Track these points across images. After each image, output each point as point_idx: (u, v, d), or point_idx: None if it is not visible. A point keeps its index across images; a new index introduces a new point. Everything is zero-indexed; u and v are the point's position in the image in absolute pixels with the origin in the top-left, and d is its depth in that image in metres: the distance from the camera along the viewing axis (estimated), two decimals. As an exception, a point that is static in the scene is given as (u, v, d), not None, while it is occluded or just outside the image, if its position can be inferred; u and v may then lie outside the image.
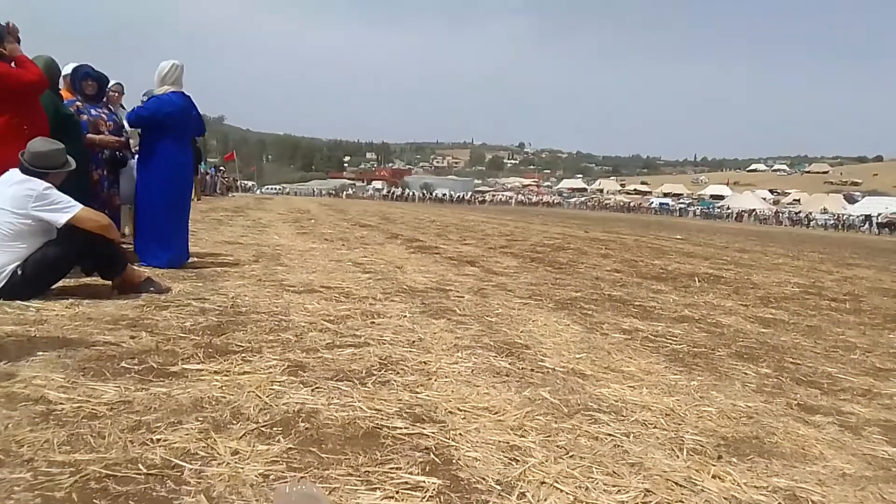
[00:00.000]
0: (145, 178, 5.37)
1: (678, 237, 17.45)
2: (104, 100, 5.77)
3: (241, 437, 1.97)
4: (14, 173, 3.82)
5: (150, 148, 5.34)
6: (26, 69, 4.30)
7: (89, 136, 5.31)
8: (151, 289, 4.14)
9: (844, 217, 49.49)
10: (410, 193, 76.05)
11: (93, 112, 5.40)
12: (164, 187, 5.32)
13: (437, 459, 1.92)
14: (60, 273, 3.91)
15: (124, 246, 5.38)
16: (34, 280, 3.71)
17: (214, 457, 1.83)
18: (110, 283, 4.14)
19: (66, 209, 3.77)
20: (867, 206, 53.46)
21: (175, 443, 1.89)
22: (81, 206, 3.88)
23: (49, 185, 3.78)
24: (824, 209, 53.94)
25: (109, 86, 6.27)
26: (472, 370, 2.89)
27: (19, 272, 3.67)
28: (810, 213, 52.17)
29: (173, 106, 5.29)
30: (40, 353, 2.67)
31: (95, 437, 1.89)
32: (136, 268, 4.37)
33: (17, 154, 3.88)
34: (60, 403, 2.13)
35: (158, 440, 1.90)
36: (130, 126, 5.40)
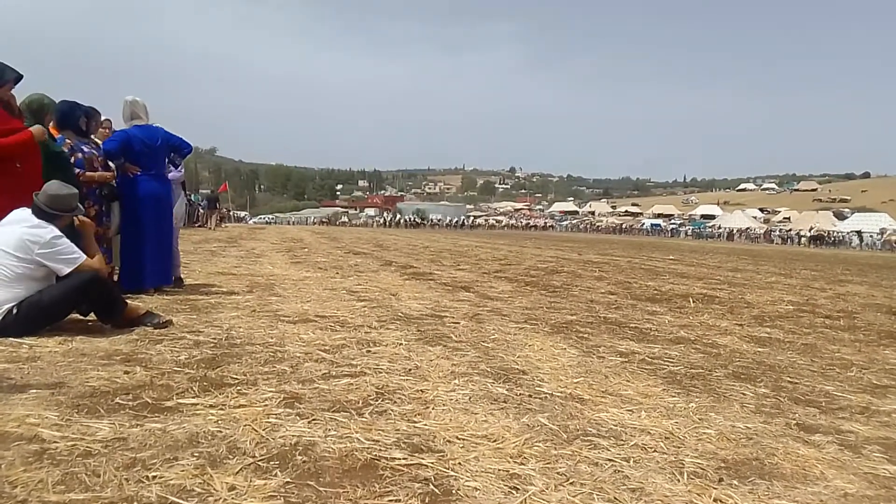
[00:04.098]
0: (121, 208, 5.85)
1: (671, 258, 17.51)
2: (90, 135, 5.79)
3: (237, 473, 1.94)
4: (21, 213, 3.84)
5: (124, 179, 5.82)
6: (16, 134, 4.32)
7: (88, 174, 5.32)
8: (151, 323, 4.11)
9: (835, 233, 49.85)
10: (404, 219, 76.14)
11: (85, 149, 5.42)
12: (138, 215, 5.80)
13: (436, 490, 1.90)
14: (54, 319, 3.86)
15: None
16: (27, 322, 3.69)
17: (211, 493, 1.80)
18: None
19: (70, 261, 3.84)
20: (857, 222, 53.96)
21: (171, 479, 1.86)
22: (85, 256, 3.94)
23: (58, 233, 3.84)
24: (812, 226, 54.39)
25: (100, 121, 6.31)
26: (470, 397, 2.88)
27: (14, 311, 3.65)
28: (801, 231, 52.62)
29: (137, 139, 5.77)
30: (33, 391, 2.64)
31: (90, 475, 1.86)
32: (135, 304, 4.35)
33: (9, 188, 3.90)
34: (54, 442, 2.10)
35: (154, 477, 1.87)
36: (111, 160, 5.75)
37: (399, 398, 2.81)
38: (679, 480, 2.06)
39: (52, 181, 4.06)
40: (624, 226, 75.09)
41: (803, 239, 48.91)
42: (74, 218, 4.13)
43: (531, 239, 33.66)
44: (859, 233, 47.93)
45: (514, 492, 1.92)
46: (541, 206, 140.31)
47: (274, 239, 19.59)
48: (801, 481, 2.12)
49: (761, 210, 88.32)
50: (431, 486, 1.92)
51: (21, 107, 4.78)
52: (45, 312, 3.76)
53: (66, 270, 3.82)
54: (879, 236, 46.69)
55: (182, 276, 6.62)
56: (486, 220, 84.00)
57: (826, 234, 49.54)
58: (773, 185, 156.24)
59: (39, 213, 3.86)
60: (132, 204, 5.78)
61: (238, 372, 3.12)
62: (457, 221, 76.30)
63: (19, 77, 4.52)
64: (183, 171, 6.89)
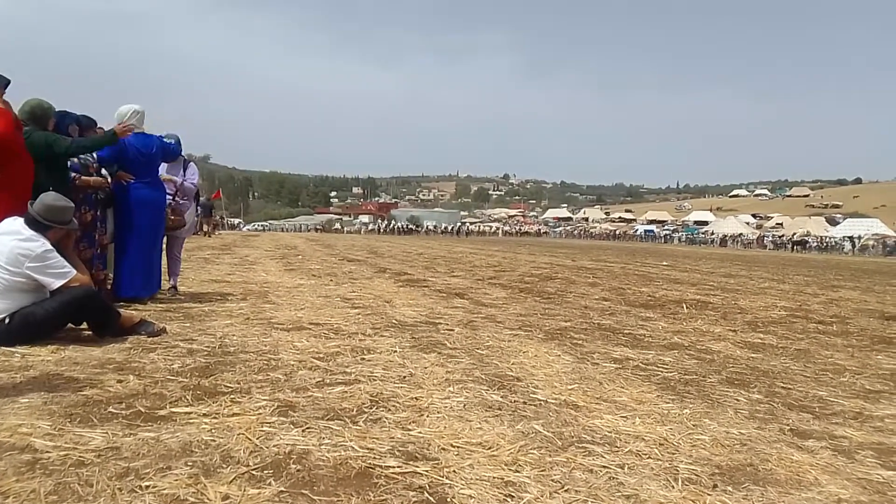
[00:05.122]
0: (117, 215, 5.81)
1: (664, 264, 17.55)
2: None
3: (231, 482, 1.93)
4: (12, 225, 3.82)
5: (119, 187, 5.77)
6: None
7: (83, 178, 5.31)
8: (145, 331, 4.08)
9: (828, 239, 50.12)
10: (398, 226, 76.07)
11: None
12: (134, 223, 5.77)
13: (431, 498, 1.90)
14: (47, 333, 3.82)
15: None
16: (18, 334, 3.66)
17: (205, 502, 1.80)
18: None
19: (60, 275, 3.82)
20: (849, 228, 54.29)
21: (164, 489, 1.85)
22: (75, 272, 3.92)
23: (49, 247, 3.81)
24: (807, 232, 54.64)
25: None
26: (465, 405, 2.87)
27: (6, 321, 3.63)
28: (793, 235, 52.93)
29: (132, 147, 5.72)
30: (26, 400, 2.63)
31: (83, 485, 1.85)
32: (130, 312, 4.33)
33: None
34: (47, 451, 2.09)
35: (147, 487, 1.86)
36: (104, 166, 5.71)
37: (393, 406, 2.80)
38: (674, 487, 2.06)
39: (49, 192, 4.05)
40: (617, 232, 75.18)
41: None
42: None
43: (525, 245, 33.69)
44: (851, 238, 48.17)
45: (508, 499, 1.92)
46: (535, 213, 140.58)
47: (268, 246, 19.56)
48: (795, 487, 2.13)
49: (754, 216, 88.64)
50: (426, 495, 1.92)
51: (21, 114, 4.80)
52: (38, 326, 3.73)
53: (56, 285, 3.79)
54: (871, 241, 46.98)
55: (177, 284, 6.59)
56: (478, 227, 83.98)
57: (819, 239, 49.88)
58: (766, 191, 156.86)
59: (32, 223, 3.83)
60: (127, 212, 5.75)
61: (232, 380, 3.11)
62: (451, 228, 76.24)
63: (7, 82, 4.51)
64: (197, 181, 6.88)
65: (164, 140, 6.13)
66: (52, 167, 4.85)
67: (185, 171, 6.63)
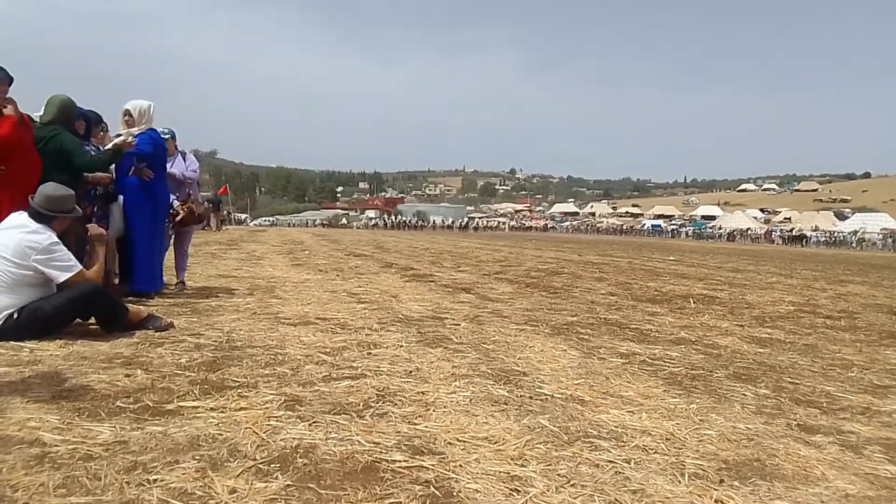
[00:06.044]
0: (136, 210, 5.70)
1: (671, 259, 17.50)
2: (90, 138, 5.78)
3: (238, 475, 1.94)
4: (18, 218, 3.83)
5: (143, 183, 5.69)
6: None
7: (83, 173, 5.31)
8: (153, 326, 4.10)
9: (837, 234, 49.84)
10: (404, 221, 75.99)
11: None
12: (152, 217, 5.76)
13: (437, 492, 1.90)
14: (55, 328, 3.82)
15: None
16: (26, 329, 3.67)
17: (212, 496, 1.80)
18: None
19: (65, 268, 3.83)
20: (858, 222, 53.97)
21: (172, 483, 1.86)
22: (81, 266, 3.93)
23: (56, 240, 3.83)
24: (815, 227, 54.34)
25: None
26: (471, 399, 2.88)
27: (15, 316, 3.65)
28: (791, 231, 52.81)
29: (159, 143, 5.82)
30: (34, 395, 2.64)
31: (91, 479, 1.86)
32: (137, 307, 4.35)
33: None
34: (55, 445, 2.10)
35: (155, 481, 1.87)
36: (139, 161, 5.64)
37: (400, 400, 2.81)
38: (680, 482, 2.06)
39: (48, 182, 4.05)
40: (624, 227, 74.96)
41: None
42: (86, 227, 4.12)
43: (532, 240, 33.64)
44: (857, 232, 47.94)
45: (514, 493, 1.92)
46: (541, 208, 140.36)
47: (274, 241, 19.60)
48: (803, 482, 2.12)
49: (762, 210, 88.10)
50: (432, 489, 1.92)
51: (49, 108, 4.84)
52: (46, 321, 3.74)
53: (62, 278, 3.80)
54: (879, 236, 46.75)
55: (184, 279, 6.62)
56: (486, 222, 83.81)
57: (828, 234, 49.69)
58: (774, 186, 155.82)
59: (36, 215, 3.84)
60: (151, 207, 5.76)
61: (239, 375, 3.12)
62: (458, 223, 76.10)
63: (11, 79, 4.52)
64: (198, 171, 6.91)
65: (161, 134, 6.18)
66: (65, 168, 4.85)
67: (185, 161, 6.68)
